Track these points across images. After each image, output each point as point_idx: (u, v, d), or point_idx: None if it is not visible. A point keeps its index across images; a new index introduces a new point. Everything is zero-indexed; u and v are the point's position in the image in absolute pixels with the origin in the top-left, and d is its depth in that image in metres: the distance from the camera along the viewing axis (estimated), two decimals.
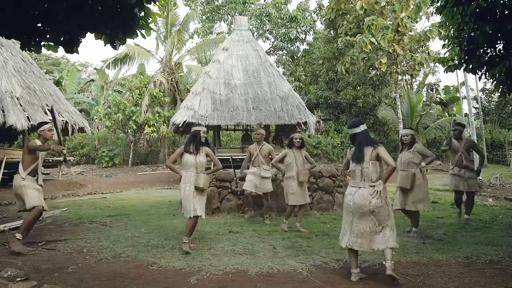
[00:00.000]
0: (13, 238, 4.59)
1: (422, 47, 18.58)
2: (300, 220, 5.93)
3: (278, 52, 28.04)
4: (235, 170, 7.12)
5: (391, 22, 16.28)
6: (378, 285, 3.51)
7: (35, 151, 4.83)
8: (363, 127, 3.84)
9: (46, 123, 5.15)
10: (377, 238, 3.59)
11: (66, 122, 12.99)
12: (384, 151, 3.67)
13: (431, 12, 20.22)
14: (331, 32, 22.83)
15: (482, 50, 5.07)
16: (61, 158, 5.18)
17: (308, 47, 27.12)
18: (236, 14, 23.93)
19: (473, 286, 3.42)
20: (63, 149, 4.94)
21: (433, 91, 30.11)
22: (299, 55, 27.92)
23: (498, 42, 4.97)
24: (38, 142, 4.87)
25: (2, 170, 10.94)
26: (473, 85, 25.02)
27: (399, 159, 5.48)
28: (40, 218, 6.79)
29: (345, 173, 4.15)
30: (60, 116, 12.90)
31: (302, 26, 26.11)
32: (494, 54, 5.07)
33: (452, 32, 5.46)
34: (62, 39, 4.18)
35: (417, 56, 16.66)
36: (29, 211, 4.73)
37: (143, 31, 4.47)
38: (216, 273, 3.82)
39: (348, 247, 3.65)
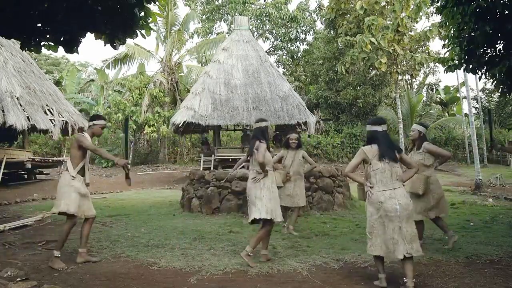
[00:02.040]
0: (52, 257, 4.12)
1: (422, 47, 18.57)
2: (294, 223, 5.79)
3: (278, 52, 28.05)
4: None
5: (391, 22, 16.25)
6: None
7: (85, 148, 4.29)
8: (385, 126, 3.64)
9: (102, 118, 4.60)
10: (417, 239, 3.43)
11: (66, 122, 12.99)
12: (405, 155, 3.61)
13: (431, 12, 20.20)
14: (331, 32, 22.82)
15: (482, 50, 5.06)
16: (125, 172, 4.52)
17: (308, 47, 27.14)
18: (236, 14, 23.93)
19: (473, 286, 3.41)
20: (127, 163, 4.39)
21: (433, 91, 30.12)
22: (299, 55, 27.93)
23: (498, 42, 4.96)
24: (86, 136, 4.33)
25: (2, 170, 10.93)
26: (473, 85, 25.00)
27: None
28: (41, 218, 6.81)
29: (349, 175, 3.69)
30: (60, 116, 12.92)
31: (302, 26, 26.13)
32: (494, 54, 5.07)
33: (452, 32, 5.45)
34: (62, 39, 4.18)
35: (417, 56, 16.64)
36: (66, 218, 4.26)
37: (143, 31, 4.48)
38: (216, 273, 3.82)
39: (407, 256, 3.26)
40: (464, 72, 6.63)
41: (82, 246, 4.32)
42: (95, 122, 4.43)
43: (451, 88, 29.18)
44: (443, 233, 5.51)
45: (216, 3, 26.90)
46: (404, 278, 3.29)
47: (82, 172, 4.31)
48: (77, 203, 4.17)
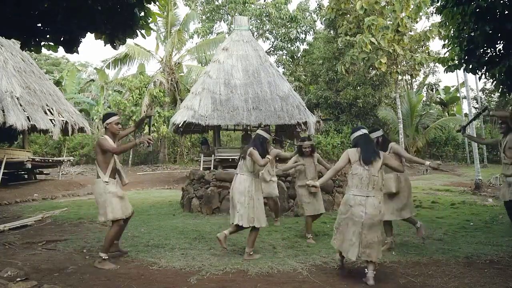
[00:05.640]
0: (99, 258, 4.08)
1: (422, 47, 18.56)
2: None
3: (278, 52, 28.04)
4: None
5: (391, 22, 16.26)
6: (379, 285, 3.51)
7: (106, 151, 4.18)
8: (365, 130, 3.84)
9: (113, 114, 4.47)
10: (379, 247, 3.60)
11: (66, 122, 12.99)
12: (390, 158, 3.74)
13: (431, 12, 20.22)
14: (331, 32, 22.83)
15: (482, 50, 5.06)
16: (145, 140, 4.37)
17: (308, 47, 27.13)
18: (236, 14, 23.93)
19: (473, 286, 3.41)
20: (149, 139, 4.31)
21: (433, 91, 30.11)
22: (299, 55, 27.93)
23: (498, 42, 4.96)
24: (107, 138, 4.22)
25: (2, 170, 10.93)
26: (473, 85, 25.02)
27: None
28: (41, 218, 6.81)
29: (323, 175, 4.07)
30: (60, 116, 12.92)
31: (302, 26, 26.11)
32: (494, 54, 5.07)
33: (452, 32, 5.45)
34: (62, 39, 4.18)
35: (417, 56, 16.65)
36: (111, 224, 4.23)
37: (143, 31, 4.48)
38: (216, 273, 3.82)
39: (358, 259, 3.51)
40: (464, 72, 6.63)
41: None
42: (107, 121, 4.31)
43: (451, 88, 29.16)
44: (443, 233, 5.52)
45: (216, 3, 26.89)
46: (366, 269, 3.57)
47: (113, 174, 4.24)
48: (120, 206, 4.18)
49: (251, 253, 4.42)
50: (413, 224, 4.91)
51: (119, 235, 4.44)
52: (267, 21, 26.16)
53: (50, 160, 14.89)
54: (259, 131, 4.70)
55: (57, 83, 24.18)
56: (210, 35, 26.33)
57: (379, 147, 4.51)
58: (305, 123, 13.49)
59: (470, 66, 5.16)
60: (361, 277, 3.63)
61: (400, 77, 20.39)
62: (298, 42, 27.17)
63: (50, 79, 16.12)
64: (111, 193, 4.11)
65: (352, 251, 3.51)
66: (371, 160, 3.57)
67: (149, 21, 4.47)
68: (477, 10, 4.51)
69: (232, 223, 4.53)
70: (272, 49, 28.07)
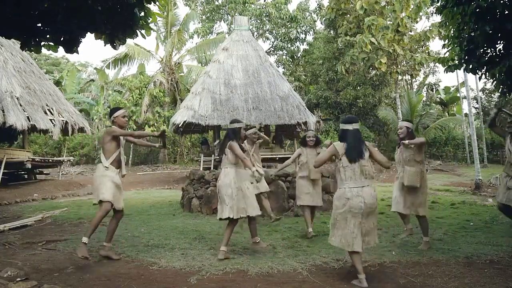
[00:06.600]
0: (80, 243, 4.09)
1: (422, 47, 18.57)
2: (312, 225, 5.55)
3: (278, 52, 28.04)
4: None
5: (391, 22, 16.28)
6: (379, 285, 3.51)
7: (117, 138, 4.31)
8: (357, 125, 3.73)
9: (119, 108, 4.59)
10: (375, 232, 3.69)
11: (66, 122, 13.00)
12: (377, 151, 3.73)
13: (431, 12, 20.23)
14: (331, 32, 22.83)
15: (482, 50, 5.06)
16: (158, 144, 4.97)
17: (308, 47, 27.13)
18: (236, 14, 23.93)
19: (473, 286, 3.41)
20: (164, 132, 4.59)
21: (433, 91, 30.11)
22: (299, 55, 27.92)
23: (498, 42, 4.96)
24: (116, 128, 4.38)
25: (2, 170, 10.93)
26: (473, 85, 25.01)
27: (399, 156, 4.90)
28: (41, 218, 6.81)
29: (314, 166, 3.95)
30: (60, 116, 12.93)
31: (302, 26, 26.12)
32: (494, 54, 5.07)
33: (452, 32, 5.46)
34: (62, 39, 4.18)
35: (417, 56, 16.67)
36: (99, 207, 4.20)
37: (143, 31, 4.48)
38: (216, 273, 3.82)
39: (361, 249, 3.51)
40: (464, 72, 6.63)
41: (106, 240, 4.37)
42: (115, 114, 4.41)
43: (451, 88, 29.16)
44: (443, 233, 5.52)
45: (216, 3, 26.89)
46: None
47: (116, 164, 4.33)
48: (112, 191, 4.19)
49: (257, 240, 4.53)
50: (424, 233, 4.82)
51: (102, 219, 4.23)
52: (267, 21, 26.17)
53: (50, 160, 14.90)
54: (230, 125, 4.70)
55: (57, 83, 24.17)
56: (210, 35, 26.34)
57: (407, 138, 4.72)
58: (305, 123, 13.50)
59: (470, 66, 5.17)
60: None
61: (400, 77, 20.42)
62: (298, 42, 27.18)
63: (50, 79, 16.13)
64: (107, 176, 4.19)
65: (357, 243, 3.50)
66: (360, 157, 3.57)
67: (149, 21, 4.47)
68: (477, 10, 4.51)
69: (220, 219, 4.60)
70: (272, 49, 28.07)
